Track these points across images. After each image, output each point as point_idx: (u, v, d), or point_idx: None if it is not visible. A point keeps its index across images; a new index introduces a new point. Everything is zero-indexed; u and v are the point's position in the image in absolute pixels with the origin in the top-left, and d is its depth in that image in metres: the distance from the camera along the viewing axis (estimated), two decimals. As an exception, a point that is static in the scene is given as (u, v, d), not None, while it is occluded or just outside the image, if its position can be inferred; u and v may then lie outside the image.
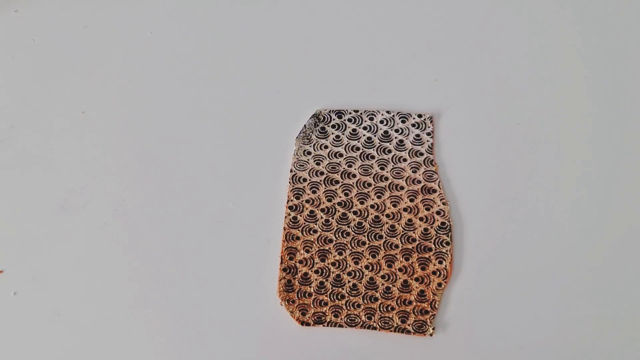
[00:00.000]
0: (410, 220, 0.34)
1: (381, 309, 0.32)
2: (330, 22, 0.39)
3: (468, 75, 0.37)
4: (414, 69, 0.38)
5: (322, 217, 0.34)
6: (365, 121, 0.36)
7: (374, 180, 0.35)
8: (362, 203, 0.34)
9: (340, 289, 0.33)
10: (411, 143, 0.35)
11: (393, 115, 0.36)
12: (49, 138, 0.37)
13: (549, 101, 0.37)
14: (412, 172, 0.35)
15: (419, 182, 0.34)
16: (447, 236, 0.33)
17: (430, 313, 0.32)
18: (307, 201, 0.34)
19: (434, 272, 0.33)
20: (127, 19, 0.39)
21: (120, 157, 0.36)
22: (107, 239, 0.35)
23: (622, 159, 0.35)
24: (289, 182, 0.35)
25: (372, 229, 0.34)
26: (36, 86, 0.38)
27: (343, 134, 0.36)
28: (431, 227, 0.34)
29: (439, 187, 0.34)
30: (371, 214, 0.34)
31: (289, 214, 0.34)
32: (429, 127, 0.36)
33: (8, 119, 0.37)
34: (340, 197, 0.34)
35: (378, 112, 0.36)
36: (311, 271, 0.33)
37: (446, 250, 0.33)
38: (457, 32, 0.38)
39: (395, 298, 0.32)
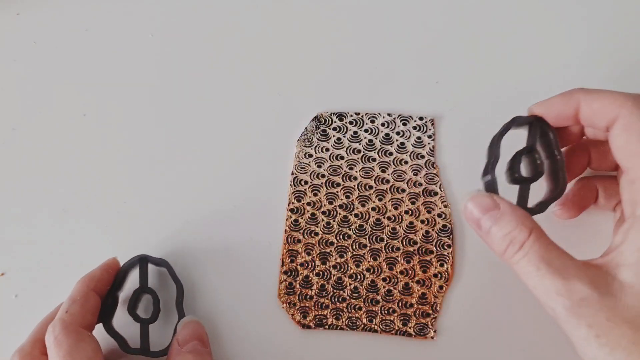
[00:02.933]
0: (411, 222, 0.34)
1: (382, 311, 0.32)
2: (331, 24, 0.39)
3: (470, 78, 0.37)
4: (415, 71, 0.38)
5: (323, 220, 0.34)
6: (366, 124, 0.36)
7: (375, 182, 0.35)
8: (363, 206, 0.34)
9: (341, 292, 0.33)
10: (412, 145, 0.35)
11: (394, 118, 0.36)
12: (50, 141, 0.37)
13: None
14: (414, 174, 0.35)
15: (421, 184, 0.34)
16: (449, 239, 0.33)
17: (432, 316, 0.32)
18: (309, 204, 0.34)
19: (435, 275, 0.33)
20: (128, 22, 0.39)
21: (122, 160, 0.36)
22: (109, 242, 0.35)
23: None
24: (290, 185, 0.35)
25: (374, 231, 0.34)
26: (37, 89, 0.38)
27: (344, 137, 0.36)
28: (432, 230, 0.34)
29: (441, 190, 0.34)
30: (372, 216, 0.34)
31: (290, 217, 0.34)
32: (430, 129, 0.36)
33: (9, 122, 0.37)
34: (341, 199, 0.34)
35: (379, 114, 0.36)
36: (312, 274, 0.33)
37: (448, 253, 0.33)
38: (459, 34, 0.38)
39: (397, 301, 0.32)
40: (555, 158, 0.30)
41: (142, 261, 0.32)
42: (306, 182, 0.35)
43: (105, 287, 0.31)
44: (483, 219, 0.27)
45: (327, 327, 0.32)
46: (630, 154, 0.26)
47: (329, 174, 0.35)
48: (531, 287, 0.26)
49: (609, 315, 0.23)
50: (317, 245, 0.34)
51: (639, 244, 0.24)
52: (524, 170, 0.30)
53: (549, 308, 0.25)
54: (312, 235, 0.34)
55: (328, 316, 0.32)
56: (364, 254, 0.33)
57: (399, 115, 0.36)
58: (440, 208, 0.34)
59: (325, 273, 0.33)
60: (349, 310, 0.32)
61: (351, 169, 0.35)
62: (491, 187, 0.28)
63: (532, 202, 0.29)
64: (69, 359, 0.26)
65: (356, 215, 0.34)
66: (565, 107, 0.29)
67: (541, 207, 0.29)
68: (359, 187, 0.35)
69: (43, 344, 0.28)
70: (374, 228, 0.34)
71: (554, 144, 0.30)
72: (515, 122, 0.30)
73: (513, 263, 0.26)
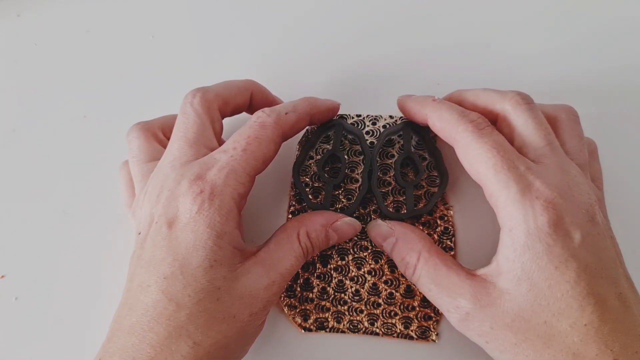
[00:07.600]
0: (412, 225, 0.33)
1: (384, 314, 0.32)
2: (331, 25, 0.39)
3: (470, 79, 0.37)
4: (416, 72, 0.38)
5: (324, 222, 0.34)
6: (367, 126, 0.36)
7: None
8: (364, 208, 0.34)
9: (342, 295, 0.33)
10: (414, 148, 0.35)
11: (396, 120, 0.36)
12: (51, 142, 0.37)
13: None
14: (415, 177, 0.34)
15: (422, 187, 0.34)
16: (451, 241, 0.33)
17: (434, 319, 0.32)
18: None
19: (437, 278, 0.33)
20: (129, 23, 0.39)
21: (122, 161, 0.36)
22: (109, 243, 0.35)
23: (627, 160, 0.35)
24: (291, 187, 0.35)
25: (375, 234, 0.33)
26: (38, 90, 0.38)
27: (345, 139, 0.36)
28: (434, 233, 0.33)
29: (442, 192, 0.34)
30: (374, 218, 0.34)
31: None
32: (431, 131, 0.35)
33: (10, 123, 0.37)
34: (342, 202, 0.34)
35: (381, 116, 0.36)
36: (313, 277, 0.33)
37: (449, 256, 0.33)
38: (459, 35, 0.38)
39: (398, 304, 0.32)
40: (434, 154, 0.33)
41: (338, 127, 0.34)
42: (307, 185, 0.35)
43: (324, 119, 0.33)
44: (384, 245, 0.30)
45: (328, 330, 0.32)
46: (476, 174, 0.27)
47: (330, 176, 0.35)
48: (434, 304, 0.28)
49: (491, 323, 0.25)
50: (318, 247, 0.33)
51: (507, 253, 0.26)
52: (410, 174, 0.34)
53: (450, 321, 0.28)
54: (313, 237, 0.34)
55: (329, 319, 0.32)
56: (365, 256, 0.33)
57: (401, 118, 0.36)
58: (441, 210, 0.34)
59: (326, 275, 0.33)
60: (350, 313, 0.32)
61: (352, 171, 0.35)
62: (378, 197, 0.33)
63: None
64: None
65: (357, 218, 0.34)
66: (418, 116, 0.31)
67: (429, 203, 0.33)
68: (360, 190, 0.34)
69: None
70: (376, 230, 0.33)
71: (428, 142, 0.34)
72: (388, 131, 0.34)
73: (415, 283, 0.29)
